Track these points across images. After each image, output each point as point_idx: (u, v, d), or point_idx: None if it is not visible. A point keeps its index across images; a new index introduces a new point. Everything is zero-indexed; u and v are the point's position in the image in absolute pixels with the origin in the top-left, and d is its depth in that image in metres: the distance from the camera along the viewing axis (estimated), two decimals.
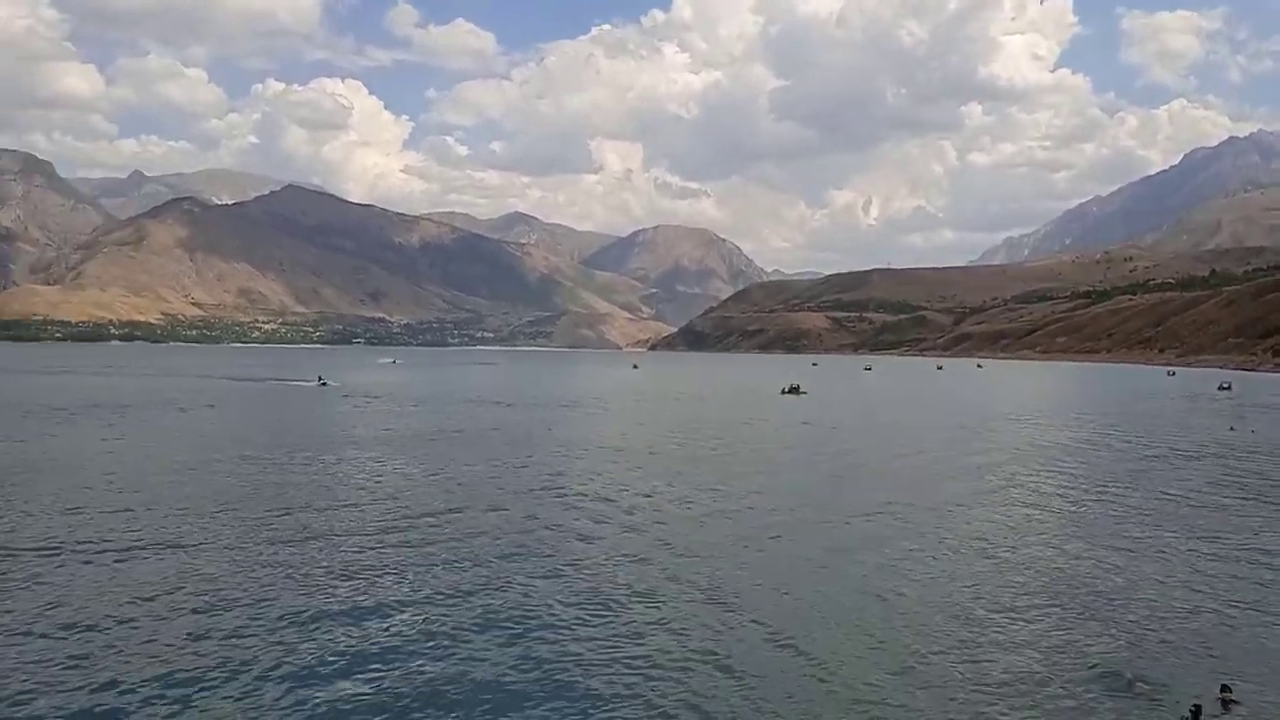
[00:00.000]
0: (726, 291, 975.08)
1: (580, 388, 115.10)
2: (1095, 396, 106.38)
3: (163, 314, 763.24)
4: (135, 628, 15.83)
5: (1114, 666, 14.86)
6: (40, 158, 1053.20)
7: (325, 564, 20.37)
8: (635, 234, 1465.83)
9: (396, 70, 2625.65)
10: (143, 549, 21.27)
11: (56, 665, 14.13)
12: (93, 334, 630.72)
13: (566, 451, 42.93)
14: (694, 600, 18.22)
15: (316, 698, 13.23)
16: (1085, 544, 23.92)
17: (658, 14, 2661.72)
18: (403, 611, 17.13)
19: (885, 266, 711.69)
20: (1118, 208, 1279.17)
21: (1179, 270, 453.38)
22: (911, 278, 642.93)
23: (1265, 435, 55.34)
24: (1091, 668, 14.86)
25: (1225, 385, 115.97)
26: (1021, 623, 17.18)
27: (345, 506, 27.34)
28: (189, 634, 15.55)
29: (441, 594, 18.25)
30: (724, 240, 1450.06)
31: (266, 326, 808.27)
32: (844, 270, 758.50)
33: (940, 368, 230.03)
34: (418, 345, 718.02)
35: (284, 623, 16.28)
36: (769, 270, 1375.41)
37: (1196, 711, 12.84)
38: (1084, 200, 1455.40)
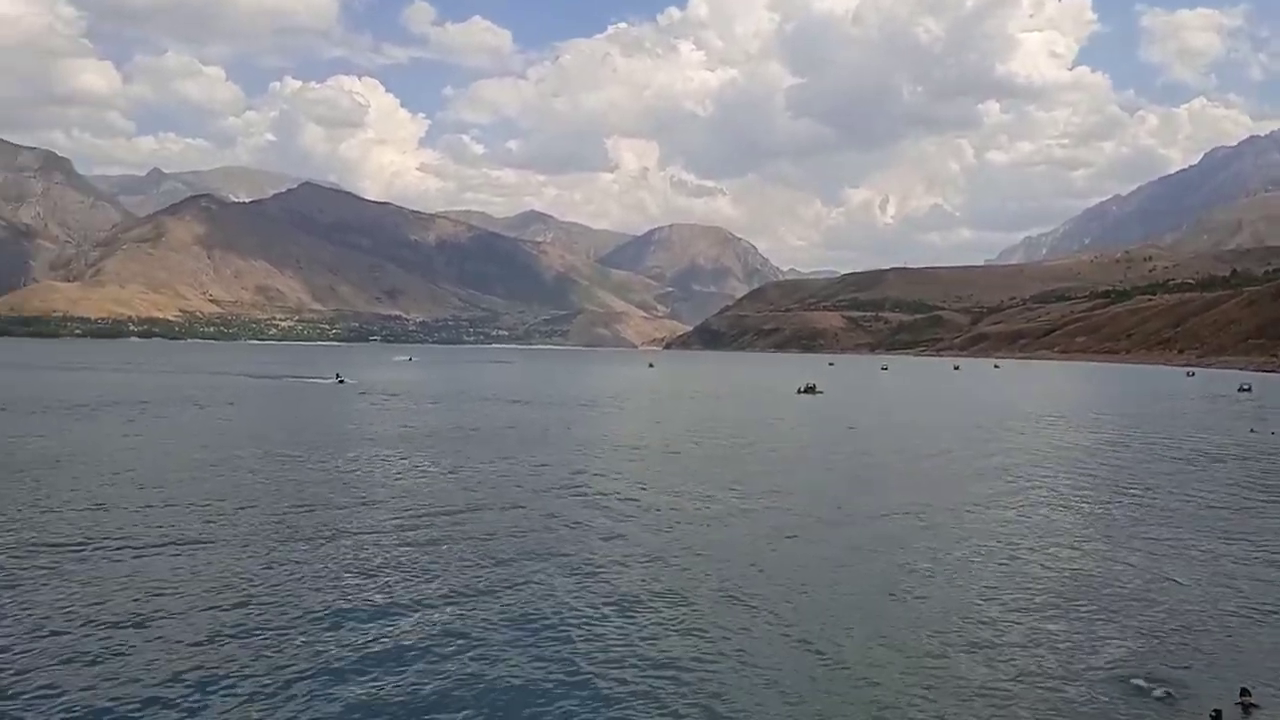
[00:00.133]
0: (742, 290, 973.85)
1: (596, 386, 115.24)
2: (1114, 397, 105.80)
3: (181, 311, 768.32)
4: (157, 624, 15.93)
5: (1134, 669, 14.83)
6: (59, 155, 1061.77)
7: (348, 561, 20.49)
8: (651, 232, 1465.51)
9: (413, 68, 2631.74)
10: (164, 546, 21.44)
11: (79, 660, 14.24)
12: (112, 330, 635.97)
13: (585, 450, 43.03)
14: (715, 599, 18.26)
15: (340, 695, 13.30)
16: (1106, 545, 23.85)
17: (674, 12, 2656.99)
18: (425, 609, 17.21)
19: (902, 265, 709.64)
20: (1137, 207, 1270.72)
21: (1199, 270, 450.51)
22: (928, 277, 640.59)
23: None
24: (1112, 669, 14.83)
25: (1246, 386, 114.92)
26: (1042, 624, 17.15)
27: (367, 504, 27.50)
28: (211, 630, 15.65)
29: (463, 592, 18.34)
30: (740, 239, 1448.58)
31: (283, 324, 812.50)
32: (860, 269, 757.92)
33: (957, 368, 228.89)
34: (433, 343, 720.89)
35: (307, 620, 16.38)
36: (785, 269, 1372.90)
37: (1217, 715, 12.81)
38: (1103, 199, 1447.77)
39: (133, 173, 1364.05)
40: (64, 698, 12.92)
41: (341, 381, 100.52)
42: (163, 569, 19.41)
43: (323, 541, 22.34)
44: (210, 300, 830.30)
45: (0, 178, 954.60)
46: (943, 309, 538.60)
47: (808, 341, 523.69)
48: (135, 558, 20.29)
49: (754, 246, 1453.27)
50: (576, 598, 18.11)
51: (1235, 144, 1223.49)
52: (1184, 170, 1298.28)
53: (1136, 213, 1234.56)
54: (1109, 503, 30.94)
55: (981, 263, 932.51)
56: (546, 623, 16.60)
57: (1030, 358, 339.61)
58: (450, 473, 34.52)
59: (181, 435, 46.10)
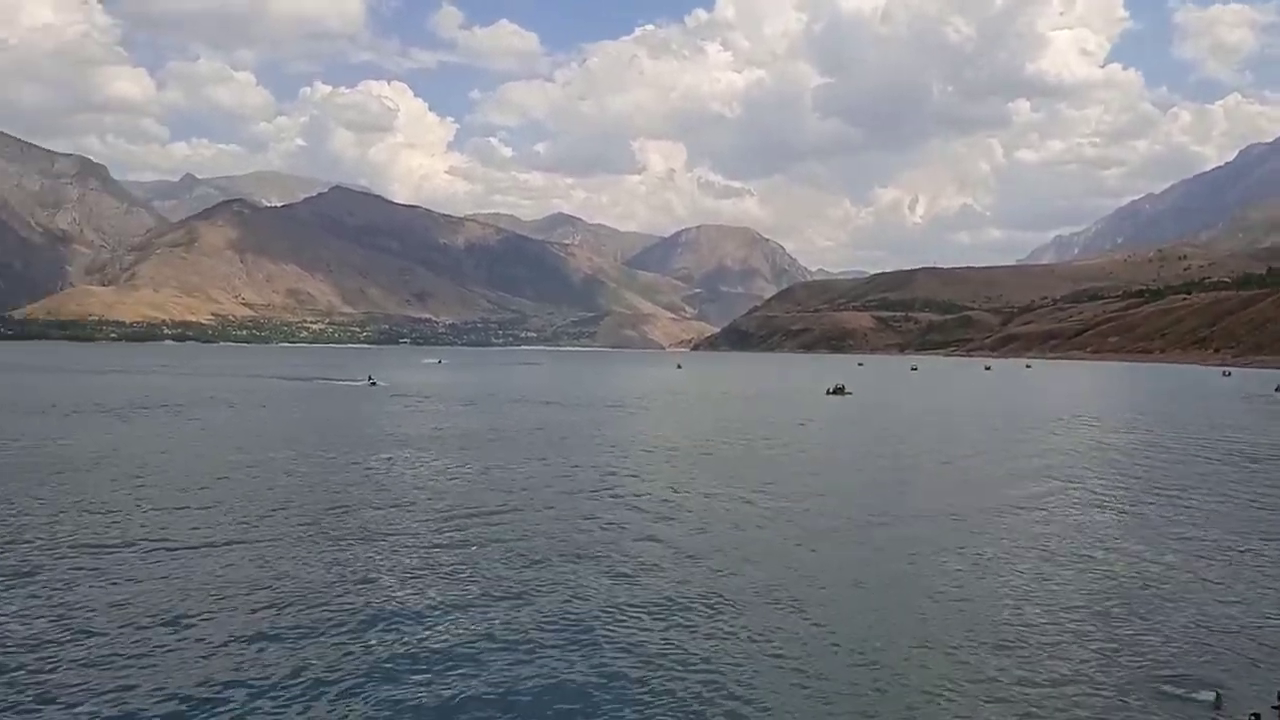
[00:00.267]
0: (770, 291, 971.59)
1: (625, 388, 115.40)
2: (1149, 397, 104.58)
3: (213, 314, 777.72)
4: (194, 625, 16.15)
5: (1170, 671, 14.77)
6: (95, 161, 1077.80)
7: (383, 563, 20.72)
8: (678, 234, 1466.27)
9: (441, 72, 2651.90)
10: (201, 546, 21.74)
11: (118, 660, 14.44)
12: (146, 334, 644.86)
13: (616, 451, 43.18)
14: (752, 601, 18.31)
15: (376, 696, 13.43)
16: (1142, 546, 23.66)
17: (701, 13, 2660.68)
18: (461, 611, 17.35)
19: (931, 266, 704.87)
20: (1171, 205, 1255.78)
21: (1235, 268, 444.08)
22: (958, 277, 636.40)
23: None
24: (1147, 671, 14.77)
25: None
26: (1077, 625, 17.09)
27: (401, 505, 27.76)
28: (247, 631, 15.85)
29: (499, 593, 18.49)
30: (767, 240, 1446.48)
31: (314, 326, 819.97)
32: (889, 269, 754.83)
33: (988, 368, 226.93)
34: (462, 345, 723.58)
35: (342, 621, 16.57)
36: (813, 270, 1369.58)
37: (1255, 719, 12.73)
38: (1136, 198, 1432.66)
39: (166, 178, 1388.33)
40: (102, 696, 13.14)
41: (373, 384, 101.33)
42: (200, 570, 19.70)
43: (358, 543, 22.59)
44: (242, 304, 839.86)
45: (37, 184, 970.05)
46: (973, 309, 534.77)
47: (837, 342, 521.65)
48: (172, 558, 20.59)
49: (782, 247, 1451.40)
50: (612, 599, 18.24)
51: (1271, 140, 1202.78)
52: (1219, 168, 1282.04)
53: (1170, 211, 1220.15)
54: (1145, 503, 30.66)
55: (1012, 263, 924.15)
56: (583, 624, 16.71)
57: (1062, 358, 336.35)
58: (483, 474, 34.79)
59: (217, 437, 46.74)
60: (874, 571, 20.93)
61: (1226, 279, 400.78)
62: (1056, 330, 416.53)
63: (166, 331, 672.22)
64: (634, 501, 29.30)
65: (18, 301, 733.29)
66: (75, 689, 13.33)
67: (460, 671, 14.37)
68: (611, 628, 16.53)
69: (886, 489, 34.07)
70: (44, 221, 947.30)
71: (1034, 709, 13.38)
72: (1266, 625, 17.19)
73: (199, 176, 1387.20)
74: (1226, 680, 14.38)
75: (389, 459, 38.43)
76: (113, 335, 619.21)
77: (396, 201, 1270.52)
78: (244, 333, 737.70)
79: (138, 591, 18.04)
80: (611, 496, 30.16)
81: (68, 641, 15.18)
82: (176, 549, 21.35)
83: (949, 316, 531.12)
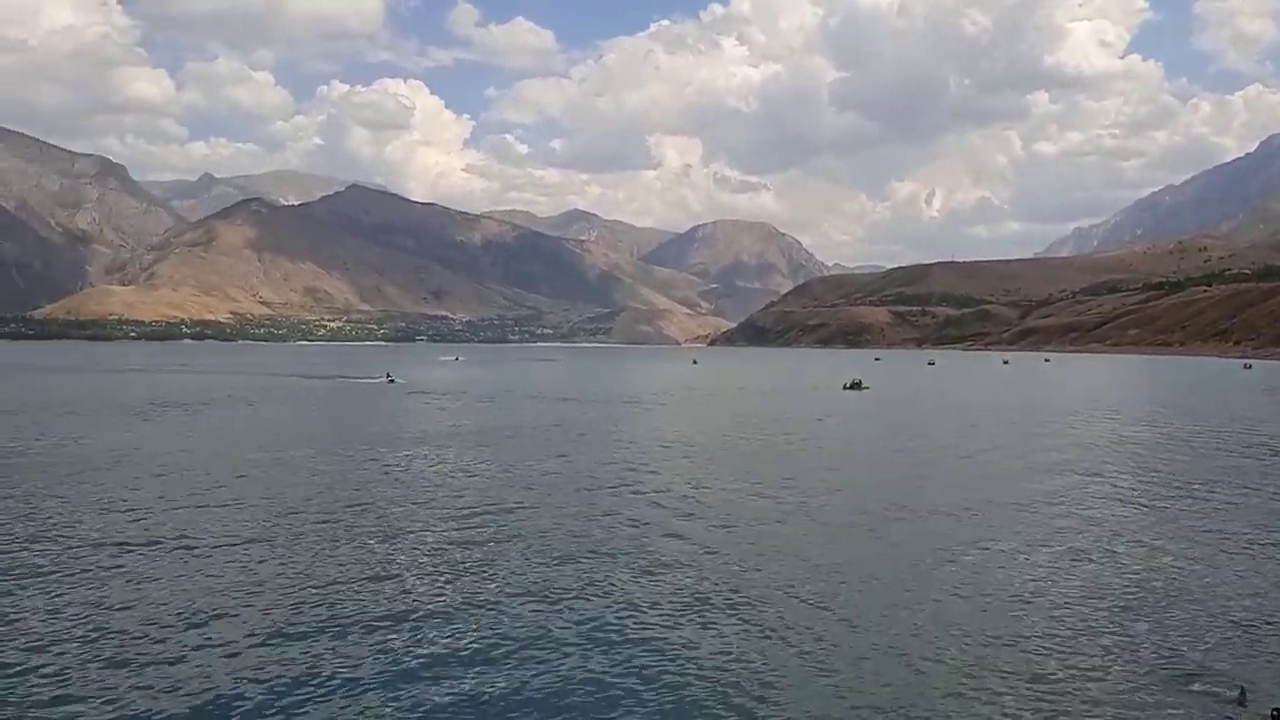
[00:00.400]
0: (786, 286, 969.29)
1: (642, 383, 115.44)
2: (1169, 390, 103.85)
3: (232, 313, 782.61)
4: (215, 623, 16.24)
5: (1194, 666, 14.70)
6: (114, 161, 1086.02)
7: (405, 561, 20.79)
8: (694, 229, 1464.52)
9: (457, 69, 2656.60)
10: (222, 544, 21.86)
11: (139, 658, 14.52)
12: (166, 333, 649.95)
13: (634, 447, 43.21)
14: (775, 597, 18.30)
15: (399, 695, 13.47)
16: (1165, 541, 23.53)
17: (717, 8, 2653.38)
18: (483, 608, 17.41)
19: (948, 259, 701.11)
20: (1191, 196, 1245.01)
21: (1256, 260, 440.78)
22: (975, 271, 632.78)
23: None
24: (1171, 667, 14.71)
25: None
26: (1097, 620, 17.03)
27: (421, 502, 27.86)
28: (267, 629, 15.92)
29: (521, 591, 18.55)
30: (784, 234, 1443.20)
31: (332, 324, 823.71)
32: (906, 263, 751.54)
33: (1006, 362, 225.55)
34: (479, 342, 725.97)
35: (364, 621, 16.64)
36: (829, 264, 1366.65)
37: (1277, 716, 12.67)
38: (1155, 189, 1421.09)
39: (185, 178, 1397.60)
40: (124, 694, 13.22)
41: (392, 381, 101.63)
42: (221, 568, 19.80)
43: (379, 541, 22.67)
44: (260, 302, 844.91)
45: (57, 184, 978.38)
46: (990, 303, 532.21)
47: (853, 337, 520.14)
48: (194, 556, 20.69)
49: (798, 242, 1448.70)
50: (633, 596, 18.27)
51: None
52: (1239, 159, 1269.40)
53: (1190, 202, 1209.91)
54: (1166, 497, 30.48)
55: (1030, 255, 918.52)
56: (605, 621, 16.74)
57: (1081, 351, 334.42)
58: (503, 471, 34.88)
59: (237, 435, 47.01)
60: (893, 567, 20.89)
61: (1247, 270, 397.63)
62: (1075, 323, 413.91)
63: (185, 330, 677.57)
64: (654, 498, 29.30)
65: (38, 301, 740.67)
66: (98, 687, 13.42)
67: (483, 670, 14.39)
68: (633, 625, 16.55)
69: (905, 484, 33.95)
70: (64, 222, 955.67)
71: (1056, 704, 13.35)
72: None
73: (217, 176, 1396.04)
74: (1250, 676, 14.28)
75: (408, 456, 38.56)
76: (132, 334, 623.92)
77: (413, 199, 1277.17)
78: (262, 331, 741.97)
79: (159, 590, 18.15)
80: (631, 493, 30.18)
81: (91, 640, 15.27)
82: (197, 547, 21.45)
83: (966, 310, 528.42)
